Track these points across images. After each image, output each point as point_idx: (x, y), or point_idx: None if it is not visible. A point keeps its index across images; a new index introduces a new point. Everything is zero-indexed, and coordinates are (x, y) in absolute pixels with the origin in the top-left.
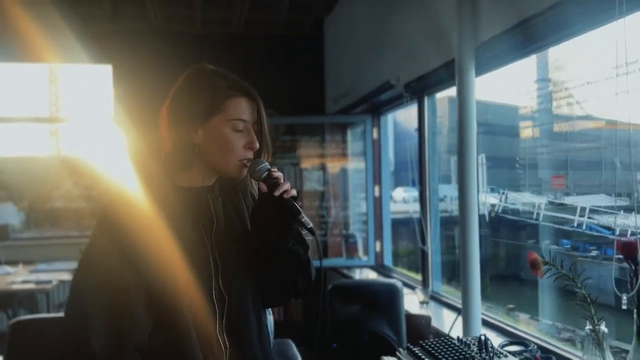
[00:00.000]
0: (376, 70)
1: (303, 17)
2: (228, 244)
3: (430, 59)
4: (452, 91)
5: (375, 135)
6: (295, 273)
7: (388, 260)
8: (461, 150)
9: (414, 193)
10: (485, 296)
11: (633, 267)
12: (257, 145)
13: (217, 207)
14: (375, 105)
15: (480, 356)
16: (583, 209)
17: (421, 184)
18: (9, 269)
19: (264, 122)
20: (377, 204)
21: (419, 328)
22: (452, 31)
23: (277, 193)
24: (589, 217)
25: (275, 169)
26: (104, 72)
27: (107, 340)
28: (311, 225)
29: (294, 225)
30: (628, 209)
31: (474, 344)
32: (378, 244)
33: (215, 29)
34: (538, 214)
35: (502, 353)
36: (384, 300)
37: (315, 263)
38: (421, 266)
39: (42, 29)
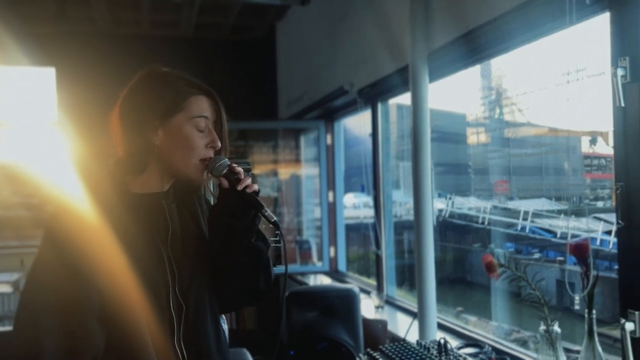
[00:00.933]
0: (330, 76)
1: (254, 21)
2: (184, 251)
3: (384, 65)
4: (401, 98)
5: (329, 140)
6: (258, 270)
7: (342, 266)
8: (416, 155)
9: (364, 198)
10: None
11: (584, 268)
12: (219, 145)
13: (172, 213)
14: (329, 110)
15: (439, 359)
16: (526, 213)
17: (375, 189)
18: None
19: (224, 122)
20: (332, 210)
21: (376, 333)
22: (406, 38)
23: (239, 187)
24: (531, 221)
25: (236, 165)
26: (47, 75)
27: (60, 356)
28: (275, 218)
29: (255, 220)
30: (568, 212)
31: (433, 348)
32: (332, 250)
33: (163, 32)
34: (484, 219)
35: (460, 355)
36: (341, 306)
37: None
38: (376, 271)
39: None
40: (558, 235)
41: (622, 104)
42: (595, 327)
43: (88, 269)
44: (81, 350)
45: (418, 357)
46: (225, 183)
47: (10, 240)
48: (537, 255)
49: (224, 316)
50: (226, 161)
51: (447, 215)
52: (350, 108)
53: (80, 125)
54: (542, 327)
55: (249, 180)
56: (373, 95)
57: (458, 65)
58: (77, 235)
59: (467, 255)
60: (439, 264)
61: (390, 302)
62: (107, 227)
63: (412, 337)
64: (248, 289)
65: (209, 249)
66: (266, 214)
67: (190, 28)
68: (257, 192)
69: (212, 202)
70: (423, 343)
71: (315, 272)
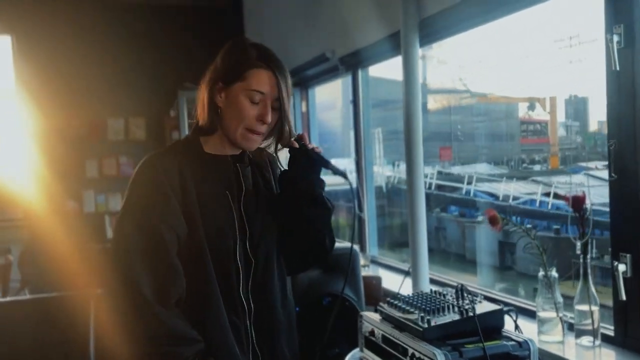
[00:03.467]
0: (308, 43)
1: None
2: (256, 210)
3: (371, 32)
4: (381, 66)
5: (304, 108)
6: (326, 226)
7: None
8: (408, 124)
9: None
10: (387, 257)
11: (581, 218)
12: (269, 120)
13: (246, 175)
14: (305, 78)
15: (458, 303)
16: (470, 178)
17: (357, 154)
18: None
19: (284, 100)
20: None
21: (371, 288)
22: (397, 3)
23: (310, 147)
24: (475, 185)
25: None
26: (3, 43)
27: (154, 292)
28: (342, 170)
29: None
30: (509, 177)
31: (449, 295)
32: None
33: None
34: (430, 184)
35: (477, 299)
36: (343, 263)
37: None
38: (359, 232)
39: None
40: (500, 198)
41: (617, 68)
42: (589, 270)
43: (171, 217)
44: (169, 286)
45: (437, 302)
46: (295, 144)
47: None
48: (480, 218)
49: None
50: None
51: (396, 182)
52: (327, 75)
53: (38, 95)
54: (541, 273)
55: (314, 144)
56: (355, 62)
57: (448, 32)
58: (165, 184)
59: None
60: (388, 229)
61: (374, 261)
62: (186, 181)
63: (407, 291)
64: (315, 245)
65: (283, 206)
66: (334, 167)
67: None
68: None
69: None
70: (438, 291)
71: None
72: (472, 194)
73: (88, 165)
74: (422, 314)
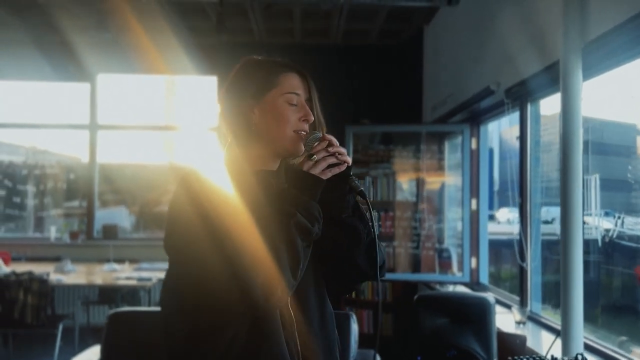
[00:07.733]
0: (475, 76)
1: (402, 26)
2: None
3: (533, 62)
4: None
5: (473, 145)
6: (354, 245)
7: (484, 278)
8: (565, 164)
9: None
10: (596, 326)
11: None
12: (312, 118)
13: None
14: (474, 113)
15: None
16: None
17: (522, 197)
18: (115, 266)
19: (316, 100)
20: (474, 218)
21: (512, 348)
22: (557, 30)
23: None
24: None
25: (328, 135)
26: (209, 83)
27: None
28: (362, 188)
29: (347, 196)
30: None
31: None
32: (474, 260)
33: (314, 40)
34: None
35: None
36: (473, 314)
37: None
38: (519, 284)
39: (155, 42)
40: None
41: None
42: None
43: (216, 229)
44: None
45: None
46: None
47: None
48: None
49: (354, 315)
50: (317, 135)
51: (614, 235)
52: (497, 110)
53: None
54: None
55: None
56: (521, 95)
57: (620, 57)
58: (208, 198)
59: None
60: (604, 288)
61: (533, 319)
62: (234, 195)
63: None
64: (348, 265)
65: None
66: (353, 183)
67: (339, 35)
68: (349, 166)
69: None
70: (557, 357)
71: (455, 283)
72: None
73: None
74: None
